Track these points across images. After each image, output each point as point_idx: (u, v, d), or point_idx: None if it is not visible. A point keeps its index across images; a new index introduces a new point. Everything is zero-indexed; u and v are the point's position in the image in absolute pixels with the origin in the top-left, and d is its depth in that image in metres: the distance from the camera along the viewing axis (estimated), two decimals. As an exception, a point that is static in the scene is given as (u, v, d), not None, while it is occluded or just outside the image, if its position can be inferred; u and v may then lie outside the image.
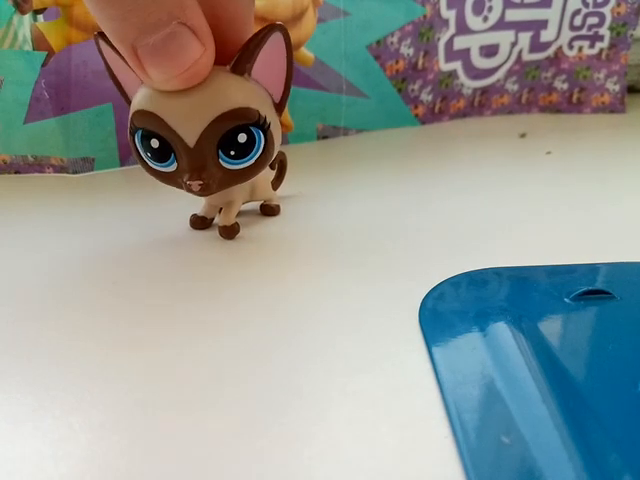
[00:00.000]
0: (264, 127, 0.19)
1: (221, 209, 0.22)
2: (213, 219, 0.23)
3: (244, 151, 0.19)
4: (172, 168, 0.19)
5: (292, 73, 0.20)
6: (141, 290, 0.18)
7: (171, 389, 0.13)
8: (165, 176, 0.19)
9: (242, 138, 0.18)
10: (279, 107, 0.20)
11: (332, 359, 0.14)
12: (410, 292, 0.17)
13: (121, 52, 0.17)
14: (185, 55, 0.16)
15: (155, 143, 0.18)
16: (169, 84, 0.17)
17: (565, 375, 0.13)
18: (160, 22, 0.16)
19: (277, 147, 0.20)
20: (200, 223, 0.23)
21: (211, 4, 0.18)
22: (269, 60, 0.19)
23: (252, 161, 0.19)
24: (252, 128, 0.18)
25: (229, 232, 0.22)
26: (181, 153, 0.18)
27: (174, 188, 0.20)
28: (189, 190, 0.19)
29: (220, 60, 0.18)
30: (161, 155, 0.19)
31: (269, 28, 0.18)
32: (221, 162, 0.18)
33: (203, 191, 0.19)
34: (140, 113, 0.18)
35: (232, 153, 0.18)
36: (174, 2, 0.16)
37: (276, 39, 0.19)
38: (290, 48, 0.19)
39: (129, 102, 0.20)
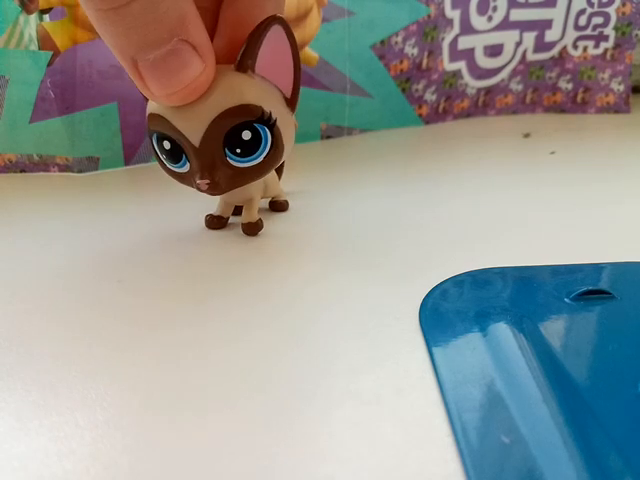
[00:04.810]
0: (269, 123, 0.18)
1: (236, 207, 0.23)
2: (229, 218, 0.23)
3: (250, 149, 0.18)
4: (185, 169, 0.19)
5: (299, 65, 0.19)
6: (146, 288, 0.18)
7: (176, 387, 0.13)
8: (181, 176, 0.20)
9: (246, 135, 0.18)
10: (291, 102, 0.19)
11: (333, 358, 0.14)
12: (411, 291, 0.17)
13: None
14: (185, 72, 0.16)
15: (167, 145, 0.19)
16: (169, 99, 0.17)
17: (565, 375, 0.13)
18: (161, 39, 0.16)
19: (290, 142, 0.20)
20: (216, 223, 0.23)
21: (235, 8, 0.18)
22: (273, 54, 0.18)
23: (261, 158, 0.19)
24: (256, 125, 0.18)
25: (253, 228, 0.22)
26: (189, 153, 0.18)
27: (177, 188, 0.20)
28: (199, 189, 0.19)
29: None
30: (174, 156, 0.19)
31: (267, 22, 0.18)
32: (229, 160, 0.18)
33: (212, 190, 0.19)
34: (152, 117, 0.19)
35: (238, 151, 0.18)
36: (176, 19, 0.15)
37: (276, 32, 0.18)
38: (293, 39, 0.19)
39: None
